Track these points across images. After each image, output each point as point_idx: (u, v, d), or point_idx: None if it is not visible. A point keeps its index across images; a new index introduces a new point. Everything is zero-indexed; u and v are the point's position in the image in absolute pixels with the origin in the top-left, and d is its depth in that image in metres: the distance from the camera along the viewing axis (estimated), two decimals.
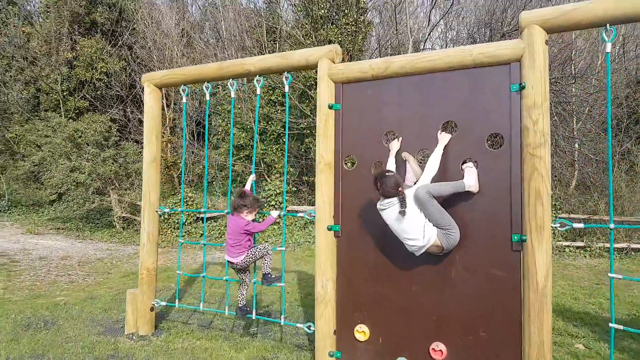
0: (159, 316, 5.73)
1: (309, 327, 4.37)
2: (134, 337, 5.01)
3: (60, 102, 20.65)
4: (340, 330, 4.16)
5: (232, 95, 4.81)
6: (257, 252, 4.59)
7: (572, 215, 13.02)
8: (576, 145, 14.78)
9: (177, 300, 5.22)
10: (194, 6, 25.63)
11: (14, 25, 20.90)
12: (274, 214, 4.55)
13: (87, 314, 5.81)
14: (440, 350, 3.72)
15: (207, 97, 4.86)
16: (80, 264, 9.56)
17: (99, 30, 21.60)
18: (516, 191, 3.50)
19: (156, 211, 5.15)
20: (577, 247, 12.39)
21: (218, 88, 17.89)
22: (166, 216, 14.46)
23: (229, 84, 4.73)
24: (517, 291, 3.50)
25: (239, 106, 17.09)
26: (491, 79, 3.61)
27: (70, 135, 15.28)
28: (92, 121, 17.45)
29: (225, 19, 20.24)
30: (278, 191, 14.41)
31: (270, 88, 16.73)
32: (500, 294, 3.56)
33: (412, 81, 3.89)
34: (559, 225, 3.60)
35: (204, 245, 5.13)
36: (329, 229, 4.13)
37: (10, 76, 21.12)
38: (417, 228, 3.57)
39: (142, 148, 18.95)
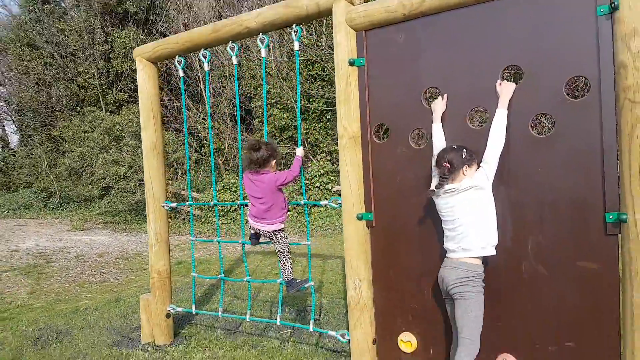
0: (183, 320, 5.12)
1: (342, 336, 3.59)
2: (149, 349, 4.41)
3: (100, 96, 20.61)
4: (381, 339, 3.36)
5: (234, 61, 4.01)
6: (286, 238, 3.89)
7: None
8: None
9: (193, 306, 4.55)
10: None
11: (48, 25, 20.91)
12: (300, 152, 3.75)
13: (105, 320, 5.27)
14: None
15: (206, 66, 4.08)
16: (117, 260, 9.19)
17: (131, 20, 21.29)
18: (610, 154, 2.51)
19: (162, 206, 4.47)
20: None
21: (255, 69, 17.13)
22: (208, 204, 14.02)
23: (228, 48, 3.93)
24: (614, 289, 2.56)
25: (278, 85, 16.28)
26: (567, 1, 2.60)
27: (107, 129, 15.06)
28: (132, 113, 17.24)
29: None
30: (322, 171, 13.60)
31: (309, 63, 15.79)
32: (591, 293, 2.62)
33: (458, 16, 2.90)
34: None
35: (219, 242, 4.43)
36: (360, 218, 3.29)
37: (53, 75, 21.28)
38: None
39: (184, 137, 18.68)
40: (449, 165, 2.73)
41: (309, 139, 15.77)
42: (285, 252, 3.85)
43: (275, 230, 3.81)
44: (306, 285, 3.91)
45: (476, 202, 2.71)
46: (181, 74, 4.29)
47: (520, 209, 2.78)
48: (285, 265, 3.87)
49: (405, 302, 3.23)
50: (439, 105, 3.00)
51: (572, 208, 2.64)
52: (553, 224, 2.70)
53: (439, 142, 2.97)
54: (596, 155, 2.55)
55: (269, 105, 16.01)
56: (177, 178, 16.33)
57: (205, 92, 18.76)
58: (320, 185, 13.30)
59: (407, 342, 3.20)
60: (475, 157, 2.79)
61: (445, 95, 2.99)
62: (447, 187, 2.76)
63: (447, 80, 3.00)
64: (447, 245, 2.85)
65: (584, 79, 2.64)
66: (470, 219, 2.71)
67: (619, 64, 2.42)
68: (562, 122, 2.65)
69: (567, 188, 2.65)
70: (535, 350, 2.78)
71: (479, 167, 2.79)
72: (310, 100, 15.62)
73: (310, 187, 13.41)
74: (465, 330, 2.72)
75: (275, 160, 3.73)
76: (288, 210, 3.86)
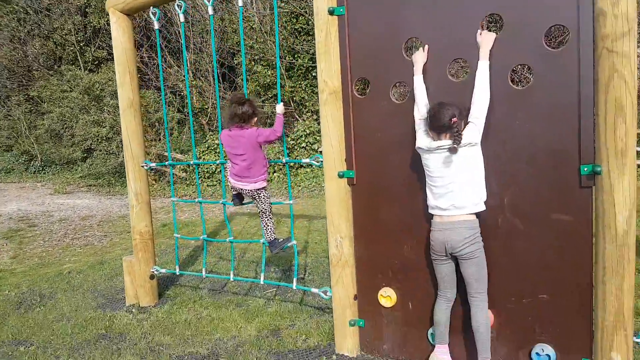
0: (168, 281, 5.13)
1: (325, 293, 3.61)
2: (134, 310, 4.41)
3: (78, 54, 19.96)
4: (362, 295, 3.38)
5: (210, 11, 3.85)
6: (268, 197, 3.87)
7: None
8: None
9: (177, 267, 4.54)
10: None
11: None
12: (280, 109, 3.68)
13: (90, 283, 5.26)
14: None
15: (181, 17, 3.92)
16: (101, 223, 9.13)
17: None
18: (587, 105, 2.47)
19: (142, 166, 4.38)
20: None
21: (238, 23, 16.61)
22: (194, 166, 13.90)
23: None
24: (587, 241, 2.58)
25: (262, 40, 15.80)
26: None
27: (86, 88, 14.66)
28: (112, 71, 16.73)
29: None
30: (308, 131, 13.41)
31: (293, 15, 15.32)
32: (565, 246, 2.63)
33: None
34: None
35: (200, 203, 4.38)
36: (341, 175, 3.24)
37: (27, 31, 20.50)
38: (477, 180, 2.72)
39: (165, 95, 18.18)
40: (457, 120, 2.65)
41: (294, 98, 15.46)
42: (267, 212, 3.82)
43: (258, 189, 3.76)
44: (289, 244, 3.91)
45: (470, 159, 2.67)
46: (156, 26, 4.14)
47: (498, 161, 2.75)
48: (268, 226, 3.85)
49: (385, 258, 3.23)
50: (420, 57, 2.90)
51: (548, 160, 2.62)
52: (529, 176, 2.68)
53: (422, 95, 2.88)
54: (573, 106, 2.51)
55: (253, 62, 15.61)
56: (160, 139, 16.06)
57: (184, 47, 18.23)
58: (306, 145, 13.15)
59: (387, 296, 3.22)
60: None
61: (427, 47, 2.90)
62: (440, 143, 2.68)
63: (428, 30, 2.90)
64: (437, 203, 2.78)
65: (568, 35, 2.56)
66: (465, 176, 2.67)
67: (598, 12, 2.35)
68: (541, 73, 2.60)
69: (544, 140, 2.62)
70: (510, 302, 2.82)
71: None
72: (296, 56, 15.21)
73: (295, 147, 13.27)
74: (479, 286, 2.76)
75: (257, 119, 3.68)
76: (269, 171, 3.83)
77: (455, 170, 2.68)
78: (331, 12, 3.11)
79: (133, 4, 4.08)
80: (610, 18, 2.30)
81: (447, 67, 2.86)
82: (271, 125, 3.67)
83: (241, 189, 3.78)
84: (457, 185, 2.68)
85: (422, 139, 2.82)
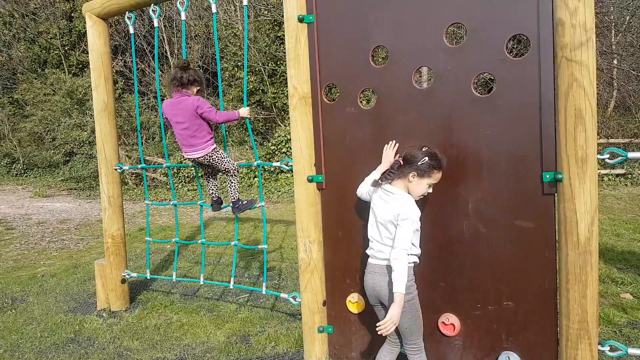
0: (141, 285, 5.08)
1: (294, 298, 3.61)
2: (104, 314, 4.36)
3: (62, 57, 19.85)
4: (330, 301, 3.37)
5: (182, 17, 3.85)
6: (225, 157, 3.80)
7: (610, 141, 11.90)
8: (615, 61, 13.28)
9: (147, 271, 4.51)
10: None
11: None
12: (243, 112, 3.66)
13: (62, 287, 5.20)
14: (452, 324, 2.89)
15: (155, 22, 3.92)
16: (79, 227, 9.03)
17: None
18: (548, 113, 2.51)
19: (115, 169, 4.36)
20: (617, 175, 11.33)
21: (221, 30, 16.66)
22: (175, 170, 13.83)
23: (178, 3, 3.76)
24: (550, 248, 2.59)
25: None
26: None
27: (69, 92, 14.57)
28: None
29: None
30: (289, 137, 13.45)
31: (276, 23, 15.41)
32: (529, 252, 2.65)
33: None
34: (608, 155, 2.58)
35: (175, 205, 4.36)
36: (310, 180, 3.25)
37: (13, 35, 20.35)
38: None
39: (148, 100, 18.14)
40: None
41: (276, 104, 15.54)
42: (231, 171, 3.81)
43: (208, 153, 3.72)
44: (256, 206, 3.92)
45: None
46: (131, 30, 4.13)
47: (462, 168, 2.77)
48: (232, 184, 3.85)
49: (353, 263, 3.23)
50: (389, 156, 2.87)
51: (512, 167, 2.64)
52: (493, 183, 2.70)
53: (364, 187, 2.91)
54: (535, 114, 2.54)
55: (237, 68, 15.69)
56: (142, 143, 16.00)
57: (169, 53, 18.23)
58: (287, 151, 13.17)
59: (356, 302, 3.22)
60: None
61: (397, 146, 2.88)
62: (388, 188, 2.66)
63: (394, 38, 2.92)
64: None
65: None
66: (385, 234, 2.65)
67: (557, 21, 2.39)
68: (503, 81, 2.63)
69: (507, 147, 2.64)
70: (476, 309, 2.83)
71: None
72: (278, 63, 15.32)
73: (277, 152, 13.29)
74: (412, 337, 2.63)
75: (198, 89, 3.67)
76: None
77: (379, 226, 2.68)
78: (301, 20, 3.14)
79: (109, 8, 4.08)
80: (569, 28, 2.34)
81: (412, 74, 2.89)
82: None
83: (193, 159, 3.75)
84: (378, 238, 2.68)
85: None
